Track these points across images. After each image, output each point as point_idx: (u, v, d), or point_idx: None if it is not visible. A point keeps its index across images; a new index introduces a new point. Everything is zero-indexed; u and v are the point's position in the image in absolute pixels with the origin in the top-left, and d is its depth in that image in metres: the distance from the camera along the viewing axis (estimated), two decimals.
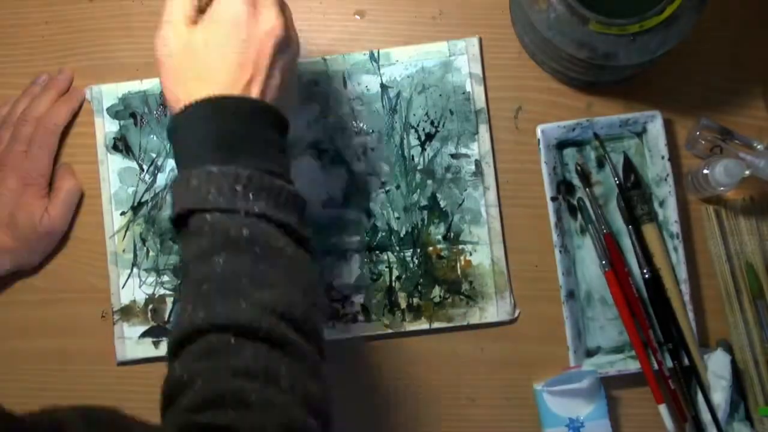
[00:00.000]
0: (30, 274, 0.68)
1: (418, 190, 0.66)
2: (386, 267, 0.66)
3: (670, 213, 0.64)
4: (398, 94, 0.67)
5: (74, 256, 0.68)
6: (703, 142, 0.64)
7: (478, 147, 0.65)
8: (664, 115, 0.64)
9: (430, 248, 0.66)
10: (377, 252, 0.66)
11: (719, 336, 0.65)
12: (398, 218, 0.66)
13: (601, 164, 0.66)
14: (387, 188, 0.66)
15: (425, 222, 0.66)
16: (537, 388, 0.64)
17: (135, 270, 0.67)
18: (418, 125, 0.66)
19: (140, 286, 0.67)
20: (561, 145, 0.66)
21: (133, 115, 0.68)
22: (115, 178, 0.68)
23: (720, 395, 0.61)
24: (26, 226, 0.64)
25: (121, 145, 0.68)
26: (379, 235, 0.66)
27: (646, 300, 0.64)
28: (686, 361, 0.63)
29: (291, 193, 0.46)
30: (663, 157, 0.64)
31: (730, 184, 0.60)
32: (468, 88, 0.66)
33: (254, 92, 0.47)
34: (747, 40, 0.66)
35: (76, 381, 0.68)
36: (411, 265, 0.66)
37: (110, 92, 0.68)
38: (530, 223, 0.66)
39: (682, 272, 0.63)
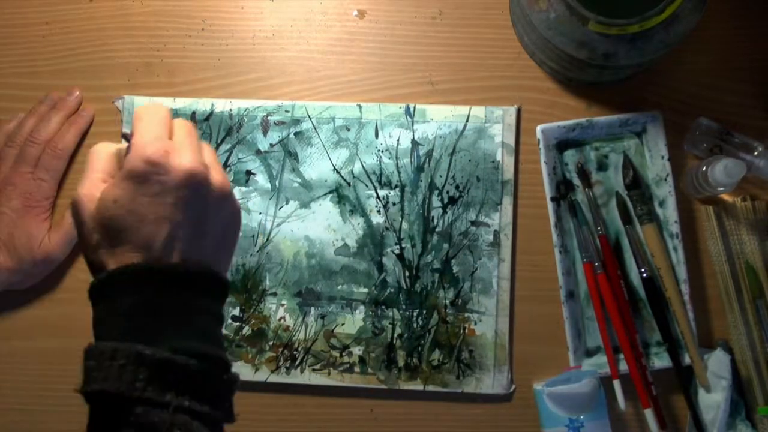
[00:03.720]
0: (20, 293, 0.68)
1: (433, 252, 0.65)
2: (390, 323, 0.66)
3: (670, 213, 0.64)
4: (429, 153, 0.66)
5: (77, 256, 0.68)
6: (703, 142, 0.64)
7: (500, 218, 0.65)
8: (664, 115, 0.64)
9: (436, 312, 0.65)
10: (383, 307, 0.66)
11: (719, 336, 0.65)
12: (409, 277, 0.66)
13: (601, 164, 0.66)
14: (402, 245, 0.66)
15: (435, 285, 0.65)
16: (537, 388, 0.64)
17: None
18: (443, 187, 0.66)
19: None
20: (561, 145, 0.66)
21: None
22: None
23: (720, 395, 0.62)
24: (24, 247, 0.64)
25: None
26: (388, 291, 0.66)
27: (645, 301, 0.64)
28: (686, 361, 0.63)
29: (225, 381, 0.41)
30: (663, 157, 0.64)
31: (730, 184, 0.60)
32: (498, 158, 0.65)
33: (175, 254, 0.41)
34: (746, 40, 0.66)
35: (78, 381, 0.68)
36: (415, 326, 0.65)
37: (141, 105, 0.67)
38: (530, 222, 0.66)
39: (682, 272, 0.63)
